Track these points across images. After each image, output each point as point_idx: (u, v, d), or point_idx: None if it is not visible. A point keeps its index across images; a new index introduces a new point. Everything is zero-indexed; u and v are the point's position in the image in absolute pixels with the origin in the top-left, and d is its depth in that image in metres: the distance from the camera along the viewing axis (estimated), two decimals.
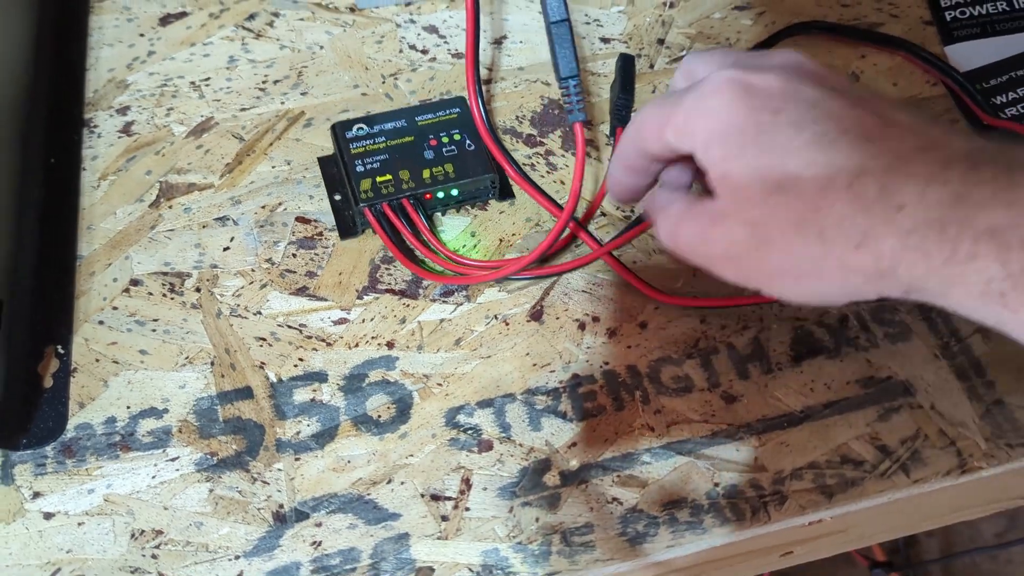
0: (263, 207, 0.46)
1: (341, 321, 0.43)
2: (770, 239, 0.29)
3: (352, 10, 0.53)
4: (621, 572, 0.38)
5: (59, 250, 0.44)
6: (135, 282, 0.43)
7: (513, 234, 0.46)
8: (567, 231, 0.45)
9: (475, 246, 0.45)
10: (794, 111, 0.29)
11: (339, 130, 0.46)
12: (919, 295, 0.27)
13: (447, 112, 0.47)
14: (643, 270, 0.44)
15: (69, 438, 0.39)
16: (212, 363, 0.41)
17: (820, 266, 0.28)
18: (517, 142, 0.49)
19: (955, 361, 0.43)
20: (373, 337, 0.42)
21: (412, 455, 0.40)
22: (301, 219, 0.46)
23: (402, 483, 0.39)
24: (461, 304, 0.44)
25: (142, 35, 0.52)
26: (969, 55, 0.52)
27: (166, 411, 0.40)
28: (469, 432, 0.40)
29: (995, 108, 0.50)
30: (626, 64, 0.50)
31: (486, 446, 0.40)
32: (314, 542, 0.38)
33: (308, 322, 0.43)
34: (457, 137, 0.46)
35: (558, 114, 0.50)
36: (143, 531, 0.37)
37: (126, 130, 0.48)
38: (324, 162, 0.47)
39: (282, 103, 0.50)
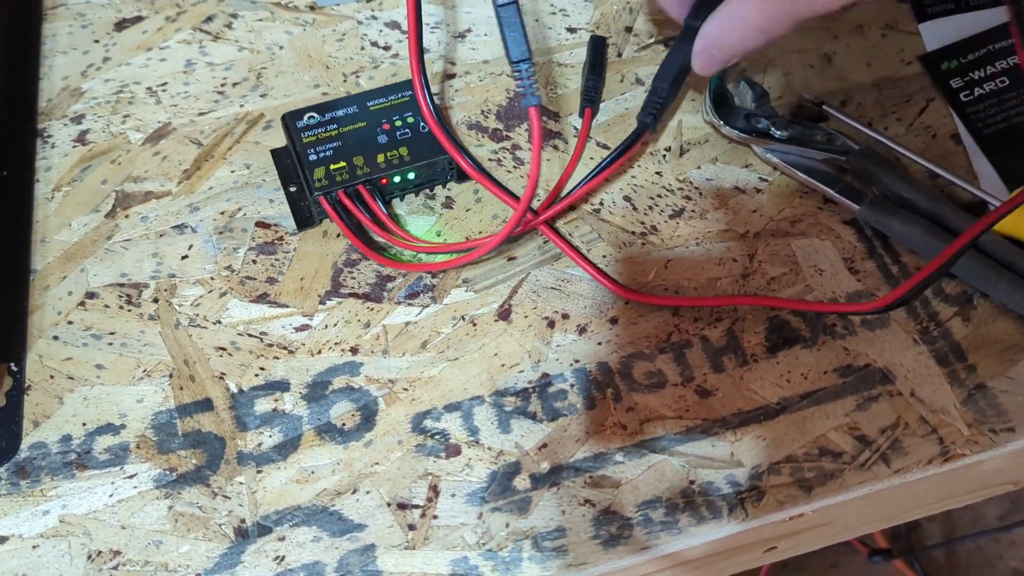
0: (222, 213, 0.45)
1: (303, 328, 0.42)
2: None
3: (312, 8, 0.52)
4: None
5: (12, 265, 0.43)
6: (91, 295, 0.42)
7: (480, 232, 0.45)
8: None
9: None
10: None
11: (290, 120, 0.45)
12: None
13: (399, 96, 0.45)
14: (613, 265, 0.43)
15: (23, 458, 0.38)
16: (171, 375, 0.40)
17: None
18: (483, 137, 0.48)
19: (935, 346, 0.41)
20: (336, 343, 0.41)
21: (378, 463, 0.39)
22: (261, 224, 0.45)
23: (368, 492, 0.38)
24: (427, 306, 0.42)
25: (97, 41, 0.50)
26: (944, 31, 0.51)
27: (123, 427, 0.39)
28: (436, 437, 0.39)
29: (972, 83, 0.49)
30: (596, 46, 0.50)
31: (454, 451, 0.39)
32: (277, 557, 0.36)
33: (269, 330, 0.42)
34: (411, 120, 0.45)
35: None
36: (100, 552, 0.36)
37: (81, 139, 0.47)
38: (277, 154, 0.46)
39: (241, 106, 0.48)
